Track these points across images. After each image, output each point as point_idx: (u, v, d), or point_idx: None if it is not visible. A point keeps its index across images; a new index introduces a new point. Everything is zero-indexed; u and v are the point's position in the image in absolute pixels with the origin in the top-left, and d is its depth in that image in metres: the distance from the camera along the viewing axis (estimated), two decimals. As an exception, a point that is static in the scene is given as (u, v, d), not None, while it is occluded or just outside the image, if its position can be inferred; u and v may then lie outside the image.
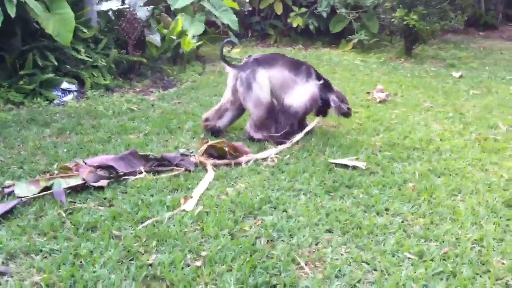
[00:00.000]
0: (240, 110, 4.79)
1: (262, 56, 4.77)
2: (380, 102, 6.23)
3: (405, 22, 9.24)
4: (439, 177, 3.88)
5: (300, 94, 4.67)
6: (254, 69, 4.53)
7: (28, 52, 5.82)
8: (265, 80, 4.54)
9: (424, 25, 9.26)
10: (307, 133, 4.65)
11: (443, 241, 2.91)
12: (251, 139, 4.58)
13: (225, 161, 4.00)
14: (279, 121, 4.66)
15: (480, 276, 2.60)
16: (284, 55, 4.85)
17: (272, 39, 11.81)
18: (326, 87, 4.82)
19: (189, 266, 2.61)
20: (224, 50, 9.39)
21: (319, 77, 4.79)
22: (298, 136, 4.60)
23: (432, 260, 2.72)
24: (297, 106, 4.65)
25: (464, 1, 10.12)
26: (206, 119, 4.83)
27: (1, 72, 5.75)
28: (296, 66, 4.73)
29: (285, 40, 11.91)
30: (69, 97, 5.91)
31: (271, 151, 4.22)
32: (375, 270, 2.63)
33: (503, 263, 2.71)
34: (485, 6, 14.25)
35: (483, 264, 2.71)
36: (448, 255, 2.76)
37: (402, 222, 3.14)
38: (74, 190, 3.38)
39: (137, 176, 3.64)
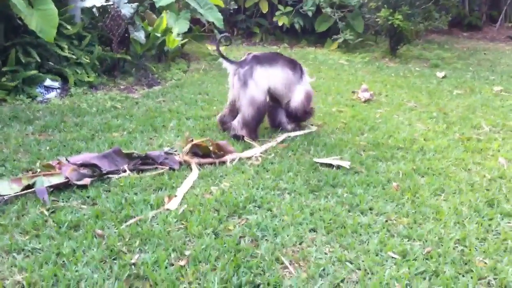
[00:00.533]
0: None
1: (262, 54, 4.79)
2: (365, 101, 6.26)
3: (389, 22, 9.30)
4: (422, 176, 3.91)
5: (304, 91, 4.88)
6: (252, 66, 4.54)
7: (11, 48, 5.74)
8: (262, 79, 4.55)
9: (409, 25, 9.32)
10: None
11: (426, 241, 2.93)
12: (236, 137, 4.58)
13: (210, 159, 3.99)
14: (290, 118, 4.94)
15: (463, 276, 2.62)
16: (281, 54, 4.93)
17: (257, 37, 11.82)
18: None
19: (172, 265, 2.59)
20: (216, 46, 9.39)
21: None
22: (283, 136, 4.64)
23: (415, 259, 2.73)
24: (306, 102, 4.88)
25: (448, 2, 10.19)
26: (222, 122, 4.84)
27: (-17, 68, 5.68)
28: (294, 65, 4.86)
29: (271, 38, 11.92)
30: (52, 94, 5.85)
31: (256, 150, 4.22)
32: (359, 269, 2.64)
33: (485, 263, 2.73)
34: (469, 7, 14.38)
35: (466, 263, 2.73)
36: (431, 255, 2.78)
37: (386, 221, 3.15)
38: (57, 189, 3.34)
39: (120, 175, 3.62)
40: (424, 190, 3.61)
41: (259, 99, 4.53)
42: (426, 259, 2.75)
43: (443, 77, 8.18)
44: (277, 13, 11.35)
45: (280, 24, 11.33)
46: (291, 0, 11.51)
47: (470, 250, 2.84)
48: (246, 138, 4.51)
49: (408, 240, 2.94)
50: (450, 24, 11.83)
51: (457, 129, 5.16)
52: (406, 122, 5.40)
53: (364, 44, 11.00)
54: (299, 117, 4.93)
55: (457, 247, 2.89)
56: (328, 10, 10.70)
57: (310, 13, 11.01)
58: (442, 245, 2.88)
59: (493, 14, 15.05)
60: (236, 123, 4.60)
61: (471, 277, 2.59)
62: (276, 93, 4.71)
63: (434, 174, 3.95)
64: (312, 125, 5.12)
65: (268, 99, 4.70)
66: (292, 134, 4.75)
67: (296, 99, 4.81)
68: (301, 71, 4.87)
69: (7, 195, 3.19)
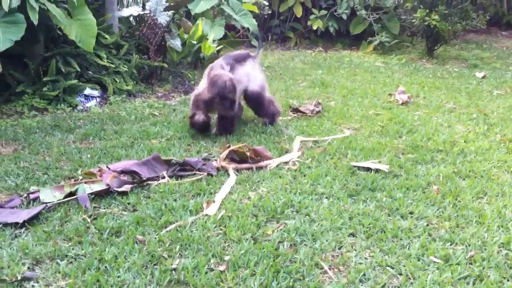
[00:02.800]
0: None
1: None
2: (402, 104, 6.17)
3: (426, 23, 9.15)
4: (464, 179, 3.83)
5: None
6: None
7: (51, 58, 5.89)
8: None
9: (446, 26, 9.15)
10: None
11: (469, 245, 2.87)
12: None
13: (247, 165, 4.00)
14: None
15: (508, 280, 2.56)
16: None
17: (292, 42, 11.80)
18: None
19: (212, 270, 2.61)
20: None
21: None
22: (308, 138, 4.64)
23: (458, 264, 2.68)
24: None
25: (486, 1, 9.97)
26: None
27: (25, 78, 5.83)
28: None
29: (305, 42, 11.88)
30: (92, 103, 5.98)
31: (293, 155, 4.21)
32: (400, 274, 2.61)
33: (531, 267, 2.67)
34: (507, 6, 14.03)
35: (511, 268, 2.66)
36: (474, 259, 2.72)
37: (427, 225, 3.10)
38: (98, 196, 3.41)
39: (160, 181, 3.66)
40: (465, 193, 3.54)
41: None
42: (469, 263, 2.70)
43: (482, 78, 8.01)
44: (311, 17, 11.31)
45: (314, 28, 11.28)
46: (325, 3, 11.46)
47: (515, 254, 2.78)
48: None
49: (450, 245, 2.88)
50: (488, 23, 11.54)
51: (498, 131, 5.04)
52: (446, 124, 5.31)
53: (400, 46, 10.86)
54: None
55: (501, 251, 2.83)
56: (363, 12, 10.61)
57: (344, 16, 10.94)
58: (485, 249, 2.82)
59: (533, 12, 14.67)
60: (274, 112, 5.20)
61: (517, 282, 2.53)
62: None
63: (475, 176, 3.87)
64: (348, 128, 5.09)
65: None
66: (328, 138, 4.71)
67: None
68: None
69: (50, 202, 3.27)
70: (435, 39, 9.78)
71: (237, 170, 3.92)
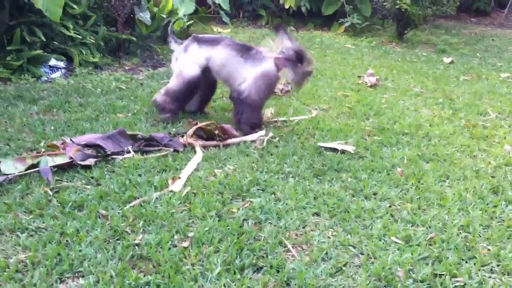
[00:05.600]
0: None
1: None
2: (370, 86, 6.22)
3: (397, 6, 9.22)
4: (427, 162, 3.89)
5: None
6: None
7: (16, 27, 5.71)
8: None
9: (416, 10, 9.23)
10: None
11: (430, 227, 2.92)
12: None
13: (214, 142, 3.98)
14: None
15: (466, 262, 2.62)
16: None
17: (263, 20, 11.73)
18: None
19: (176, 246, 2.60)
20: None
21: None
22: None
23: (418, 245, 2.73)
24: None
25: (457, -13, 10.10)
26: None
27: (-13, 47, 5.66)
28: None
29: (277, 21, 11.82)
30: (57, 74, 5.84)
31: (260, 133, 4.20)
32: (362, 253, 2.64)
33: (488, 249, 2.73)
34: (477, -8, 14.22)
35: (469, 250, 2.72)
36: (434, 240, 2.77)
37: (390, 206, 3.14)
38: (61, 169, 3.34)
39: (125, 156, 3.61)
40: (428, 176, 3.59)
41: None
42: (429, 244, 2.75)
43: (450, 63, 8.12)
44: (284, -5, 11.26)
45: (286, 6, 11.22)
46: (298, -18, 11.41)
47: (473, 236, 2.84)
48: None
49: (411, 226, 2.93)
50: (458, 9, 11.70)
51: (463, 116, 5.13)
52: (412, 107, 5.37)
53: (371, 28, 10.91)
54: None
55: (460, 233, 2.88)
56: (335, -7, 10.62)
57: (317, -4, 10.93)
58: (445, 231, 2.87)
59: (501, 0, 14.90)
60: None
61: (474, 264, 2.59)
62: None
63: (439, 160, 3.93)
64: (316, 109, 5.10)
65: None
66: (296, 118, 4.72)
67: None
68: None
69: (11, 174, 3.20)
70: (406, 23, 9.86)
71: (204, 147, 3.90)
